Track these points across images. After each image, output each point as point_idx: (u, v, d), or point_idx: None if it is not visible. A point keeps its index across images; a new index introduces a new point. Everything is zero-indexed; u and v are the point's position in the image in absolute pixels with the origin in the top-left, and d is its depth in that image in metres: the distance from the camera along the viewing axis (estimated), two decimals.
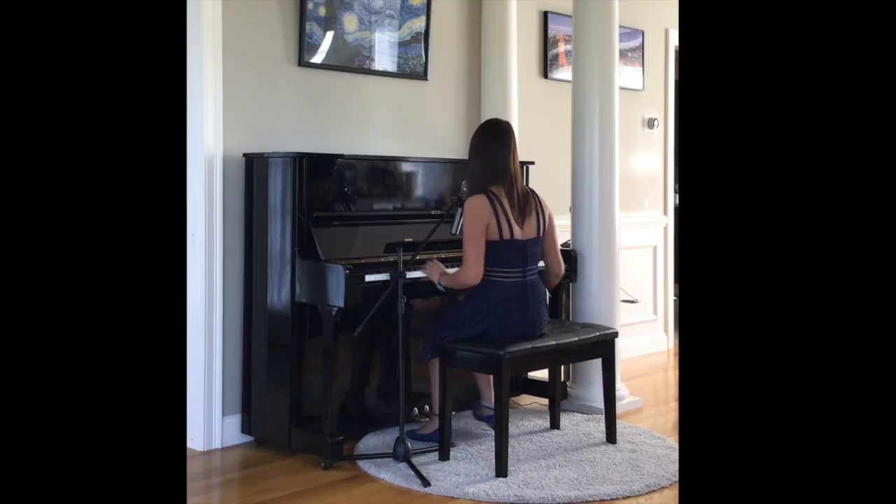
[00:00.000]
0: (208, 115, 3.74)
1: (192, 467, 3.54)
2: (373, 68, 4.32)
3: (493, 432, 3.54)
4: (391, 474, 3.42)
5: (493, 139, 3.64)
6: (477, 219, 3.49)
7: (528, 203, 3.62)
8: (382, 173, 4.07)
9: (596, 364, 4.06)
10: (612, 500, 3.24)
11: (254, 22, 3.93)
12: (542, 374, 4.30)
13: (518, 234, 3.56)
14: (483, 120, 4.78)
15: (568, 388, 4.46)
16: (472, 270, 3.50)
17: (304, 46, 4.05)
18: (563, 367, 4.31)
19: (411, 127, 4.55)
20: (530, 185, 4.44)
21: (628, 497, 3.26)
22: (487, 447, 3.68)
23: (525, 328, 3.59)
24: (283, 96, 4.03)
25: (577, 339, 3.73)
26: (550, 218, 3.73)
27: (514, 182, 3.60)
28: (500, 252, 3.53)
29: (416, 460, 3.48)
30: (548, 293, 3.84)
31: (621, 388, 4.41)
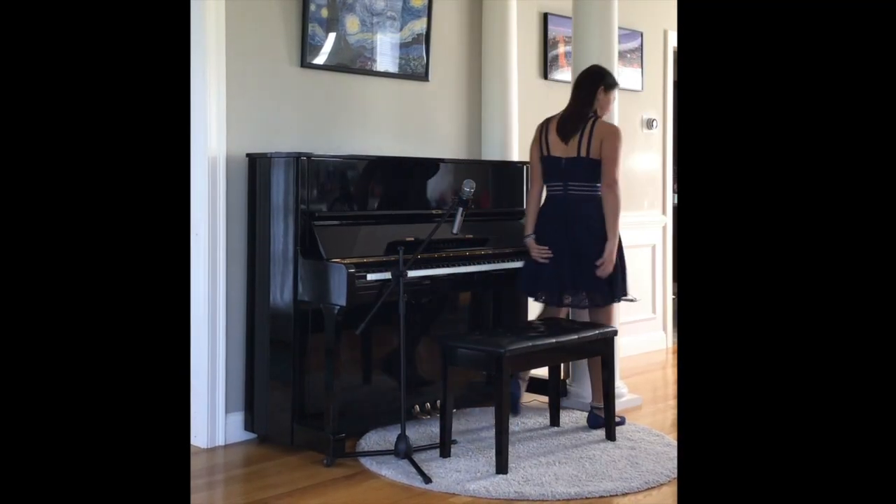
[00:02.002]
0: (212, 116, 3.77)
1: (196, 464, 3.57)
2: (374, 69, 4.35)
3: (492, 431, 3.57)
4: (392, 471, 3.45)
5: (574, 84, 4.20)
6: (532, 143, 4.17)
7: (573, 124, 4.03)
8: (384, 173, 4.10)
9: (595, 362, 4.09)
10: (611, 496, 3.27)
11: (256, 23, 3.95)
12: (542, 372, 4.33)
13: (557, 151, 4.04)
14: (483, 121, 4.85)
15: (567, 386, 4.49)
16: (531, 187, 4.18)
17: (307, 47, 4.08)
18: (562, 364, 4.34)
19: (412, 127, 4.57)
20: (530, 183, 4.51)
21: (627, 494, 3.29)
22: (488, 444, 3.71)
23: (559, 239, 3.99)
24: (286, 97, 4.06)
25: (576, 337, 3.76)
26: (603, 141, 3.98)
27: (570, 107, 4.08)
28: (544, 169, 4.10)
29: (417, 457, 3.51)
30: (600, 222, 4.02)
31: (620, 385, 4.44)
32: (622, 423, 4.08)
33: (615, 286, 4.01)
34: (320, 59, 4.15)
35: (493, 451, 3.51)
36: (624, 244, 4.09)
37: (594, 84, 4.09)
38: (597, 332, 3.86)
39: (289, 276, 3.68)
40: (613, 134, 4.00)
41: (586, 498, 3.24)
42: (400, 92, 4.50)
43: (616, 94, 4.20)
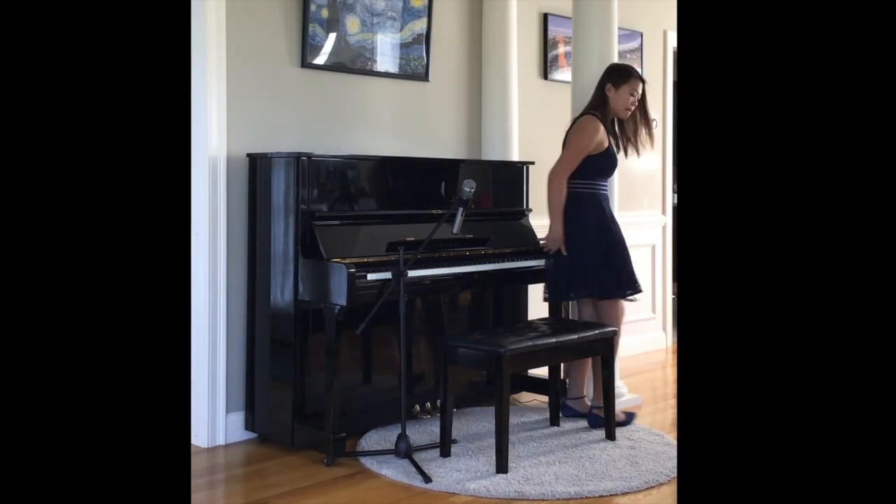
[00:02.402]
0: (212, 116, 3.77)
1: (196, 464, 3.58)
2: (374, 69, 4.35)
3: (492, 430, 3.58)
4: (393, 471, 3.46)
5: None
6: None
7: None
8: (384, 173, 4.10)
9: (595, 362, 4.09)
10: (611, 496, 3.27)
11: (257, 24, 3.96)
12: (541, 372, 4.33)
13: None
14: (483, 121, 4.85)
15: (567, 386, 4.48)
16: None
17: (307, 48, 4.09)
18: (562, 364, 4.34)
19: (412, 127, 4.58)
20: (530, 185, 4.55)
21: (627, 493, 3.29)
22: (488, 444, 3.72)
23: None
24: (286, 97, 4.06)
25: (576, 336, 3.77)
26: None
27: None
28: None
29: (417, 457, 3.52)
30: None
31: (620, 385, 4.44)
32: (626, 422, 4.07)
33: (600, 284, 4.02)
34: (320, 60, 4.15)
35: (493, 450, 3.52)
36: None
37: (602, 82, 4.14)
38: (597, 331, 3.87)
39: (289, 275, 3.69)
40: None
41: (586, 497, 3.24)
42: (400, 92, 4.51)
43: (639, 89, 4.13)
